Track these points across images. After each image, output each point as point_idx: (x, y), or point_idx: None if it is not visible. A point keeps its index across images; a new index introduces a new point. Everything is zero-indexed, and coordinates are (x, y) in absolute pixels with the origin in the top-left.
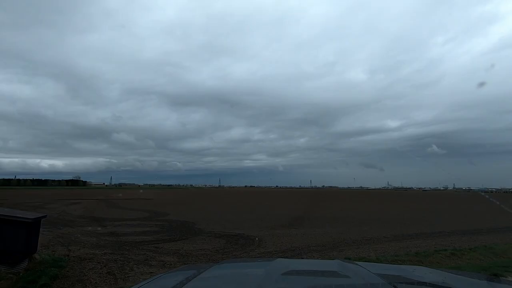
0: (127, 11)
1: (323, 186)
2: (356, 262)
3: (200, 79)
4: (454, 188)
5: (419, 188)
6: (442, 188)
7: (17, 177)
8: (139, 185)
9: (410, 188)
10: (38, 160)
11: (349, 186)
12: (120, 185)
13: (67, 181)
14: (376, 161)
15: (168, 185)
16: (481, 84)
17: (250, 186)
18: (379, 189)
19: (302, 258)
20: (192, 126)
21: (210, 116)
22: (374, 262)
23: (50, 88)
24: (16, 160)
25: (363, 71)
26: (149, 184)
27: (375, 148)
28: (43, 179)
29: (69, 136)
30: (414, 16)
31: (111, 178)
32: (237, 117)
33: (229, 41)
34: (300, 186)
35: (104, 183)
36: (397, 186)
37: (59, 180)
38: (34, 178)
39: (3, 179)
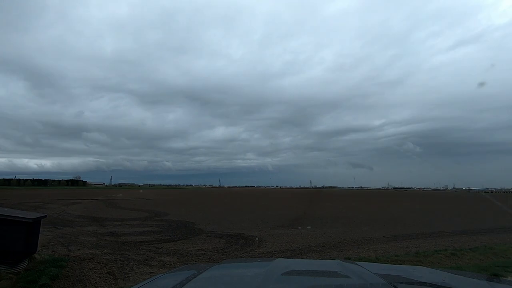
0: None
1: (323, 186)
2: (356, 262)
3: (167, 77)
4: (454, 188)
5: (419, 188)
6: (442, 188)
7: (17, 177)
8: (139, 185)
9: (410, 188)
10: (26, 160)
11: (349, 186)
12: (120, 185)
13: (67, 181)
14: (365, 161)
15: (168, 185)
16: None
17: (250, 186)
18: (379, 189)
19: (302, 258)
20: (172, 125)
21: (187, 116)
22: (374, 262)
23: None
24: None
25: (330, 69)
26: (149, 184)
27: (363, 148)
28: (43, 179)
29: (43, 134)
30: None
31: (111, 178)
32: (214, 116)
33: (186, 38)
34: (300, 186)
35: (104, 183)
36: (397, 186)
37: (59, 180)
38: (34, 178)
39: (3, 179)
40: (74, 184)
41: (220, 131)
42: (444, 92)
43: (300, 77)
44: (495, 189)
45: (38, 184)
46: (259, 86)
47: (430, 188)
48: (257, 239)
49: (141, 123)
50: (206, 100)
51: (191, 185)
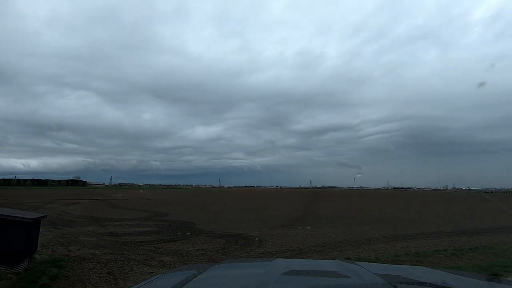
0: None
1: (323, 186)
2: (356, 262)
3: (127, 75)
4: (454, 188)
5: (419, 188)
6: (442, 189)
7: (16, 177)
8: (139, 185)
9: (410, 188)
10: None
11: (349, 186)
12: (120, 185)
13: (67, 181)
14: (354, 160)
15: (168, 185)
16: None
17: (250, 186)
18: (379, 189)
19: (302, 258)
20: (150, 124)
21: (162, 115)
22: (374, 262)
23: None
24: None
25: (293, 66)
26: (149, 184)
27: (350, 147)
28: (43, 179)
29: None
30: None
31: (111, 178)
32: (189, 115)
33: (140, 34)
34: (300, 186)
35: (104, 183)
36: (397, 186)
37: (59, 180)
38: (34, 178)
39: (3, 179)
40: (74, 184)
41: (200, 131)
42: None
43: (265, 75)
44: (495, 189)
45: (38, 184)
46: (226, 83)
47: (430, 188)
48: (257, 239)
49: (118, 122)
50: (174, 98)
51: (191, 185)
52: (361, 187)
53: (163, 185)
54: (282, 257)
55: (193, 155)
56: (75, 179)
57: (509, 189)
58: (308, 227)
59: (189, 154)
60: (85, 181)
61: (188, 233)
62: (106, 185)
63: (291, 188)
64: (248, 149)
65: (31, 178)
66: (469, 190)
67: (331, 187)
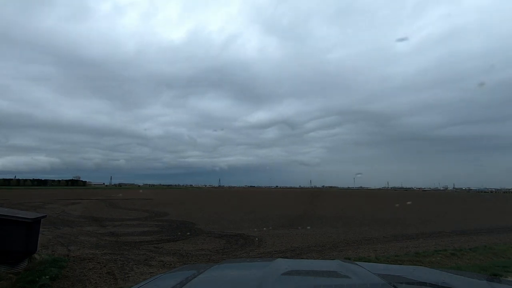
0: None
1: (323, 186)
2: (356, 262)
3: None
4: (454, 188)
5: (419, 188)
6: (442, 189)
7: (16, 177)
8: (138, 185)
9: (410, 189)
10: None
11: (349, 186)
12: (119, 185)
13: (67, 181)
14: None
15: (168, 185)
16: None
17: (250, 186)
18: (379, 189)
19: (302, 258)
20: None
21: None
22: (374, 262)
23: None
24: None
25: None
26: (149, 184)
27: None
28: (42, 179)
29: None
30: None
31: (111, 178)
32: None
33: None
34: (300, 186)
35: (103, 183)
36: (397, 186)
37: (58, 180)
38: (34, 178)
39: (3, 179)
40: (74, 184)
41: (147, 125)
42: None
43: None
44: (495, 189)
45: (38, 184)
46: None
47: (430, 188)
48: (257, 239)
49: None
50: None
51: (191, 185)
52: (361, 187)
53: (163, 185)
54: (282, 257)
55: (193, 155)
56: (75, 179)
57: (509, 189)
58: (308, 227)
59: (190, 154)
60: (85, 181)
61: (188, 233)
62: (106, 185)
63: (291, 188)
64: (204, 148)
65: (31, 178)
66: (469, 190)
67: (331, 187)
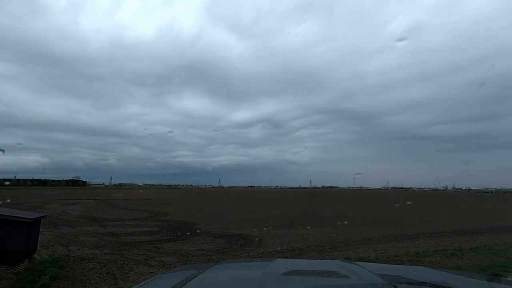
0: None
1: (323, 186)
2: (356, 262)
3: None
4: (454, 188)
5: (419, 188)
6: (442, 189)
7: (16, 177)
8: (139, 185)
9: (410, 188)
10: None
11: (349, 186)
12: (120, 185)
13: (67, 181)
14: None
15: (168, 185)
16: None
17: (250, 186)
18: (379, 189)
19: (302, 258)
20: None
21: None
22: (374, 262)
23: None
24: None
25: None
26: (149, 184)
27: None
28: (42, 179)
29: None
30: None
31: (111, 178)
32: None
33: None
34: (300, 186)
35: (104, 183)
36: (397, 186)
37: (58, 180)
38: (34, 178)
39: (3, 179)
40: (74, 184)
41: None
42: None
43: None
44: (495, 189)
45: (38, 184)
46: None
47: (430, 188)
48: (257, 239)
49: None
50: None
51: (191, 185)
52: (361, 187)
53: (163, 185)
54: (282, 257)
55: (183, 154)
56: (75, 179)
57: (509, 189)
58: (308, 227)
59: (188, 153)
60: (85, 181)
61: (188, 233)
62: (106, 185)
63: (291, 188)
64: (195, 148)
65: (31, 178)
66: (469, 190)
67: (331, 187)
